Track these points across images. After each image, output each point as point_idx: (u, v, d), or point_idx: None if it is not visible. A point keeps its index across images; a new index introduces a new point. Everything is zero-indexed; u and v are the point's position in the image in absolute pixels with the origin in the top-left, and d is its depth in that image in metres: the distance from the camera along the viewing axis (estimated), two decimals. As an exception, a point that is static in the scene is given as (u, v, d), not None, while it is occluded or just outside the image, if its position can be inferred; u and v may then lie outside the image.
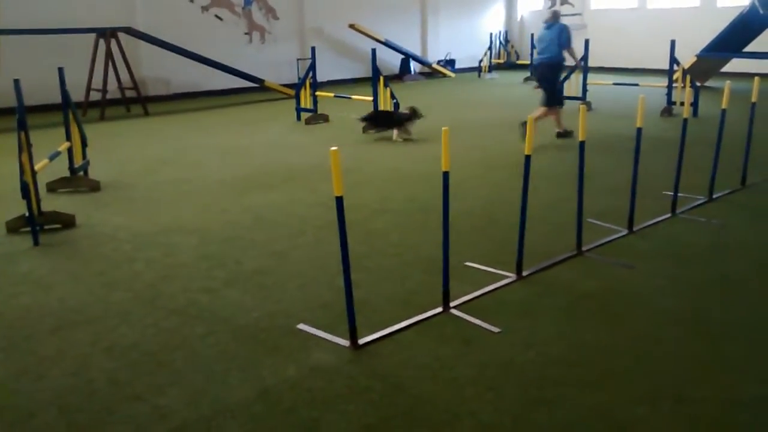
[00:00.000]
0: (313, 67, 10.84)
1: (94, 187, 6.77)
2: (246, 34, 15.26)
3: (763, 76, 7.26)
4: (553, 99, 8.83)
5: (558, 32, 8.83)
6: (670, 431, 2.68)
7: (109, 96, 12.01)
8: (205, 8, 14.46)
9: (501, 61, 19.91)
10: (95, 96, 11.95)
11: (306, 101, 11.02)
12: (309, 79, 10.92)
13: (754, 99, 6.02)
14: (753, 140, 6.26)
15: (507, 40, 20.52)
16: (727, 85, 5.78)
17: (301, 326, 3.65)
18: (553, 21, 8.99)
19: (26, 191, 5.03)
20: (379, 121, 9.36)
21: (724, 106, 5.75)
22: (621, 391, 2.96)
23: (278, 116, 11.73)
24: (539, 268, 4.37)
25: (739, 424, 2.71)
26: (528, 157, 4.09)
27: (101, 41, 11.92)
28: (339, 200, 3.24)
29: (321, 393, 3.02)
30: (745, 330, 3.52)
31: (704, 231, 5.11)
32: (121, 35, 12.16)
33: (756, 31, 13.31)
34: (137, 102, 12.38)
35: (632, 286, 4.13)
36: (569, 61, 9.35)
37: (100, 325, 3.75)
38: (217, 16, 14.70)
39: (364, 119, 9.40)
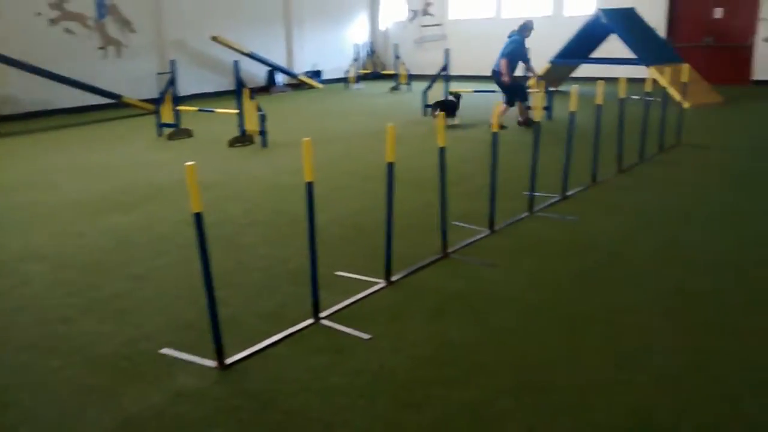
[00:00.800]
0: (173, 81, 10.49)
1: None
2: (101, 48, 14.53)
3: (607, 79, 7.79)
4: (511, 98, 10.16)
5: (507, 44, 10.10)
6: (534, 420, 2.78)
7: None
8: (53, 21, 13.62)
9: (367, 71, 20.20)
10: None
11: (168, 116, 10.64)
12: (170, 94, 10.55)
13: (599, 101, 6.44)
14: (600, 139, 6.70)
15: (372, 51, 20.84)
16: (574, 89, 6.15)
17: (165, 350, 3.48)
18: (513, 32, 10.19)
19: None
20: (445, 107, 10.54)
21: (572, 109, 6.11)
22: (487, 386, 3.05)
23: (138, 133, 11.25)
24: (407, 273, 4.43)
25: (597, 407, 2.86)
26: (390, 165, 4.15)
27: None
28: (197, 216, 3.13)
29: (188, 418, 2.90)
30: (601, 317, 3.73)
31: (560, 227, 5.40)
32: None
33: (600, 39, 14.31)
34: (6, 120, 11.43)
35: (496, 283, 4.28)
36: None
37: (-64, 367, 3.41)
38: (67, 30, 13.90)
39: (436, 105, 11.01)
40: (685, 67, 9.16)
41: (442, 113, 6.09)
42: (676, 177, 6.98)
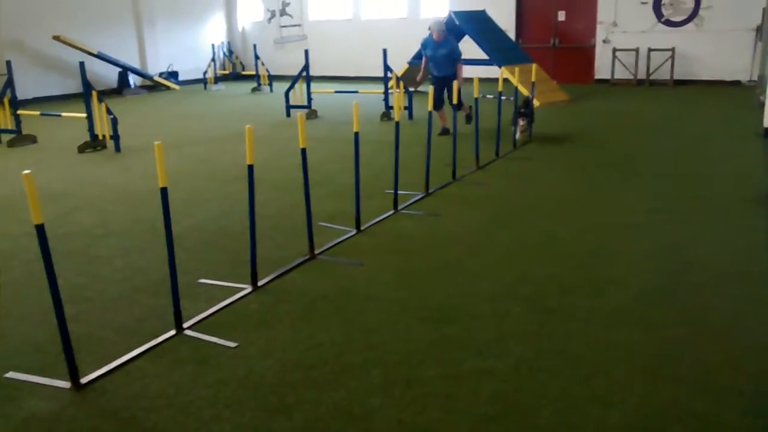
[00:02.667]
0: (10, 83, 9.71)
1: None
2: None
3: (464, 79, 8.13)
4: (439, 103, 9.44)
5: (451, 49, 9.11)
6: (403, 414, 2.83)
7: None
8: None
9: (226, 72, 19.74)
10: None
11: (6, 122, 9.84)
12: (7, 97, 9.77)
13: (454, 101, 6.66)
14: (458, 137, 6.94)
15: (231, 51, 20.39)
16: (431, 90, 6.32)
17: (11, 374, 3.21)
18: (445, 37, 9.15)
19: None
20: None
21: (430, 108, 6.28)
22: (356, 385, 3.06)
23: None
24: (274, 276, 4.36)
25: (461, 396, 2.95)
26: (251, 167, 4.07)
27: None
28: (39, 228, 2.91)
29: (38, 446, 2.69)
30: (461, 309, 3.86)
31: (423, 223, 5.53)
32: None
33: (455, 39, 14.80)
34: None
35: (363, 282, 4.31)
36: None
37: None
38: None
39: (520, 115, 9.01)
40: (534, 67, 9.69)
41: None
42: (529, 171, 7.36)
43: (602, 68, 16.20)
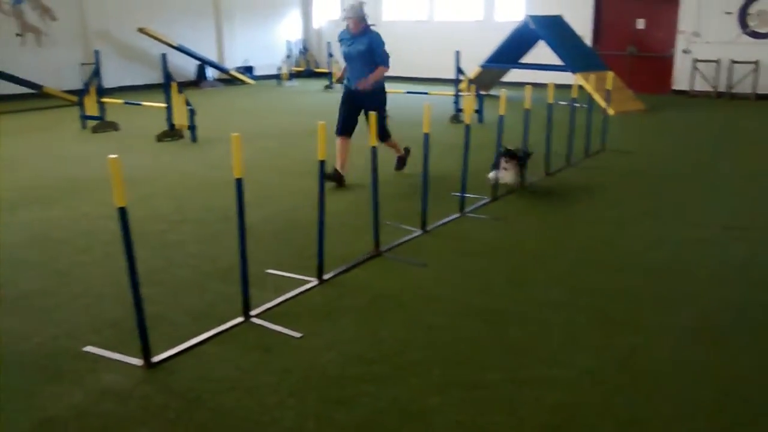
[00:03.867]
0: (97, 72, 10.15)
1: None
2: (18, 35, 13.91)
3: (536, 85, 8.02)
4: (347, 126, 6.94)
5: (370, 45, 6.61)
6: (462, 416, 2.83)
7: None
8: (-34, 5, 12.97)
9: (300, 69, 20.06)
10: None
11: (92, 109, 10.29)
12: (94, 85, 10.21)
13: (527, 106, 6.60)
14: (529, 143, 6.87)
15: (306, 49, 20.71)
16: (503, 93, 6.28)
17: (89, 348, 3.38)
18: (363, 28, 6.62)
19: None
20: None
21: (501, 112, 6.24)
22: (416, 383, 3.09)
23: (60, 125, 10.83)
24: (339, 271, 4.43)
25: (522, 403, 2.94)
26: (322, 163, 4.14)
27: None
28: (121, 211, 3.04)
29: (112, 417, 2.82)
30: (526, 315, 3.83)
31: (488, 228, 5.51)
32: None
33: (529, 45, 14.67)
34: None
35: (426, 282, 4.33)
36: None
37: None
38: (-18, 15, 13.24)
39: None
40: (610, 75, 9.51)
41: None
42: (601, 181, 7.22)
43: (681, 79, 15.73)
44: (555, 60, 13.42)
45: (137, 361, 3.23)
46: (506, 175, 6.56)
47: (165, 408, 2.89)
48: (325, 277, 4.31)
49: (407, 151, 7.48)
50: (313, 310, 3.88)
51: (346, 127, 6.90)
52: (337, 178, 6.73)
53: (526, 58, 15.18)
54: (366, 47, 6.61)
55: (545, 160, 7.34)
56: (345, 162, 6.83)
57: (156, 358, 3.26)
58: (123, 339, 3.45)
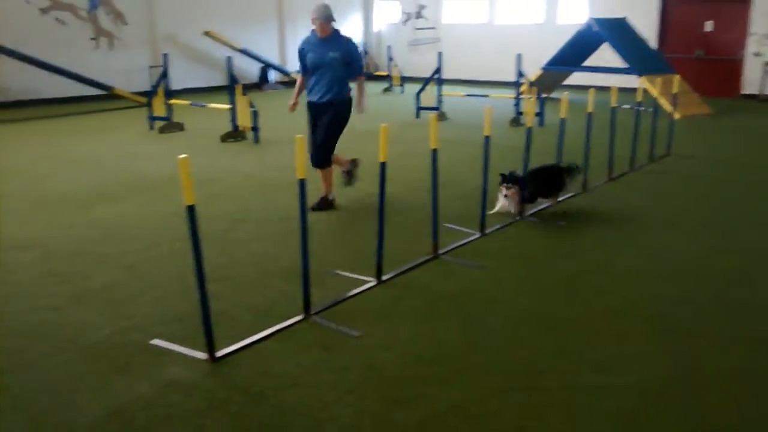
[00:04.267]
0: (165, 75, 10.47)
1: None
2: (92, 39, 14.46)
3: (598, 88, 7.87)
4: (328, 156, 6.02)
5: (347, 52, 5.90)
6: (521, 421, 2.82)
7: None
8: (44, 10, 13.53)
9: (365, 72, 20.19)
10: None
11: (159, 109, 10.62)
12: (162, 87, 10.53)
13: (590, 109, 6.50)
14: (591, 147, 6.77)
15: (366, 52, 20.86)
16: (564, 96, 6.21)
17: (156, 341, 3.50)
18: (334, 32, 5.92)
19: None
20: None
21: (563, 115, 6.17)
22: (475, 386, 3.09)
23: (129, 125, 11.21)
24: (398, 272, 4.46)
25: (581, 410, 2.90)
26: (383, 164, 4.18)
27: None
28: (190, 209, 3.14)
29: (177, 409, 2.91)
30: (583, 322, 3.78)
31: (549, 232, 5.45)
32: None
33: (592, 48, 14.42)
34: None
35: (485, 285, 4.32)
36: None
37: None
38: (58, 20, 13.82)
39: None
40: (676, 78, 9.26)
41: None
42: (665, 187, 7.05)
43: (751, 82, 15.20)
44: (619, 63, 13.16)
45: (202, 355, 3.33)
46: (506, 202, 5.72)
47: (228, 402, 2.97)
48: (384, 277, 4.34)
49: (354, 162, 6.45)
50: (372, 310, 3.91)
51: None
52: (326, 206, 5.99)
53: (589, 61, 14.92)
54: (342, 54, 5.81)
55: (608, 164, 7.21)
56: (329, 184, 6.08)
57: (220, 353, 3.35)
58: (188, 333, 3.56)
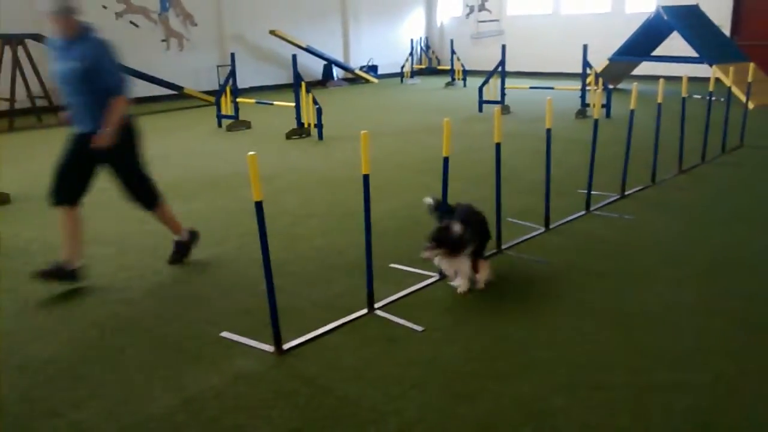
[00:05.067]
0: (233, 74, 10.71)
1: (3, 200, 6.48)
2: (163, 41, 14.93)
3: (668, 78, 7.63)
4: (147, 193, 4.64)
5: (94, 60, 4.15)
6: (587, 418, 2.78)
7: (18, 105, 11.52)
8: (119, 14, 14.07)
9: (422, 66, 20.19)
10: (3, 106, 11.44)
11: (227, 108, 10.87)
12: (229, 86, 10.78)
13: (659, 100, 6.32)
14: (661, 139, 6.58)
15: (428, 46, 20.81)
16: (634, 87, 6.05)
17: (225, 334, 3.60)
18: (79, 30, 4.22)
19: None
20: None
21: (632, 107, 6.01)
22: (540, 381, 3.06)
23: (198, 124, 11.53)
24: (461, 267, 4.45)
25: (652, 408, 2.84)
26: (446, 159, 4.17)
27: (7, 48, 11.43)
28: (258, 205, 3.21)
29: (245, 399, 2.99)
30: (656, 319, 3.69)
31: (617, 227, 5.33)
32: (30, 42, 11.68)
33: (662, 36, 13.99)
34: (49, 111, 11.90)
35: (550, 281, 4.26)
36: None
37: (12, 340, 3.60)
38: (132, 23, 14.32)
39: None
40: (751, 66, 8.89)
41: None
42: (738, 179, 6.79)
43: (835, 68, 14.44)
44: (690, 52, 12.72)
45: (269, 348, 3.41)
46: (443, 264, 4.02)
47: (294, 393, 3.03)
48: (447, 272, 4.34)
49: (193, 235, 4.85)
50: (435, 305, 3.92)
51: (66, 189, 4.31)
52: (63, 275, 4.25)
53: (659, 51, 14.48)
54: (82, 63, 4.09)
55: (678, 156, 6.99)
56: (77, 246, 4.34)
57: (286, 346, 3.42)
58: (256, 326, 3.64)
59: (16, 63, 11.40)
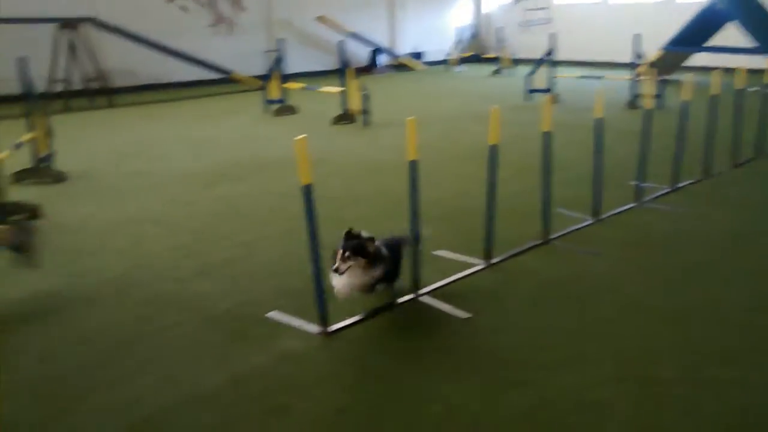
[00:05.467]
0: (280, 59, 10.78)
1: (60, 178, 6.67)
2: (212, 25, 15.10)
3: (724, 69, 7.41)
4: None
5: None
6: (637, 410, 2.74)
7: (73, 87, 11.81)
8: (170, -1, 14.27)
9: (469, 54, 20.01)
10: (58, 87, 11.74)
11: (274, 93, 10.96)
12: (277, 71, 10.86)
13: (714, 92, 6.15)
14: (714, 132, 6.40)
15: (475, 34, 20.61)
16: (688, 77, 5.90)
17: (271, 314, 3.64)
18: None
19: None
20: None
21: (685, 98, 5.87)
22: (589, 372, 3.02)
23: (246, 108, 11.66)
24: (508, 256, 4.42)
25: (702, 403, 2.78)
26: (493, 147, 4.14)
27: (63, 32, 11.71)
28: (307, 188, 3.24)
29: (291, 379, 3.03)
30: (707, 313, 3.61)
31: (668, 219, 5.22)
32: (85, 26, 11.95)
33: (717, 26, 13.59)
34: (102, 93, 12.18)
35: (598, 272, 4.20)
36: None
37: (69, 313, 3.71)
38: (181, 7, 14.51)
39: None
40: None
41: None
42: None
43: None
44: (747, 42, 12.34)
45: (314, 329, 3.44)
46: (340, 282, 3.42)
47: (340, 375, 3.06)
48: (493, 260, 4.31)
49: (24, 231, 4.12)
50: (481, 293, 3.90)
51: None
52: None
53: (713, 41, 14.07)
54: None
55: (732, 149, 6.80)
56: None
57: (331, 327, 3.45)
58: (301, 308, 3.67)
59: (71, 46, 11.67)
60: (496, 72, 16.75)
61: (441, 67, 18.73)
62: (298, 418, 2.74)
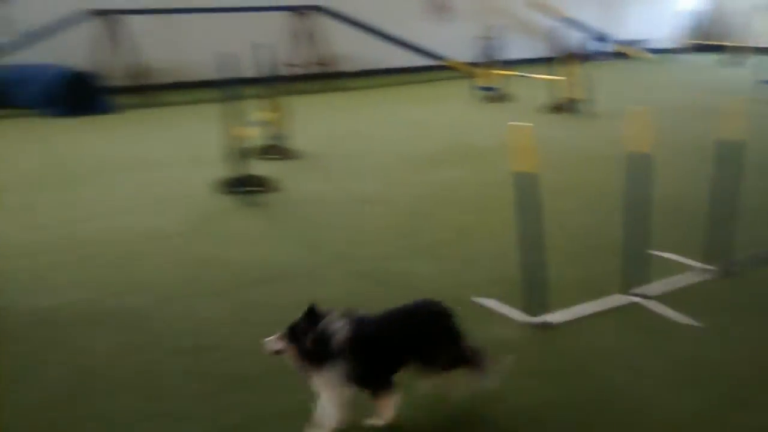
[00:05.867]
0: (494, 46, 10.73)
1: (294, 155, 7.20)
2: (428, 11, 15.36)
3: None
4: None
5: None
6: None
7: (300, 71, 12.69)
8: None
9: (698, 42, 18.49)
10: (291, 71, 12.68)
11: (487, 80, 10.95)
12: (490, 58, 10.83)
13: None
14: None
15: (705, 21, 18.98)
16: None
17: (481, 299, 3.67)
18: None
19: (239, 156, 5.53)
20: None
21: None
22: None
23: (457, 94, 11.77)
24: (743, 264, 4.04)
25: None
26: (730, 144, 3.81)
27: (294, 20, 12.61)
28: (528, 176, 3.22)
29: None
30: None
31: None
32: (312, 14, 12.76)
33: None
34: (326, 77, 12.94)
35: None
36: None
37: (297, 281, 4.03)
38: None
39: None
40: None
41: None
42: None
43: None
44: None
45: (523, 318, 3.41)
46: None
47: (552, 368, 3.01)
48: (726, 268, 3.95)
49: None
50: (708, 300, 3.62)
51: None
52: None
53: None
54: None
55: None
56: None
57: (540, 319, 3.40)
58: (509, 296, 3.64)
59: (301, 33, 12.55)
60: (729, 61, 15.31)
61: (666, 55, 17.50)
62: (512, 405, 2.74)
